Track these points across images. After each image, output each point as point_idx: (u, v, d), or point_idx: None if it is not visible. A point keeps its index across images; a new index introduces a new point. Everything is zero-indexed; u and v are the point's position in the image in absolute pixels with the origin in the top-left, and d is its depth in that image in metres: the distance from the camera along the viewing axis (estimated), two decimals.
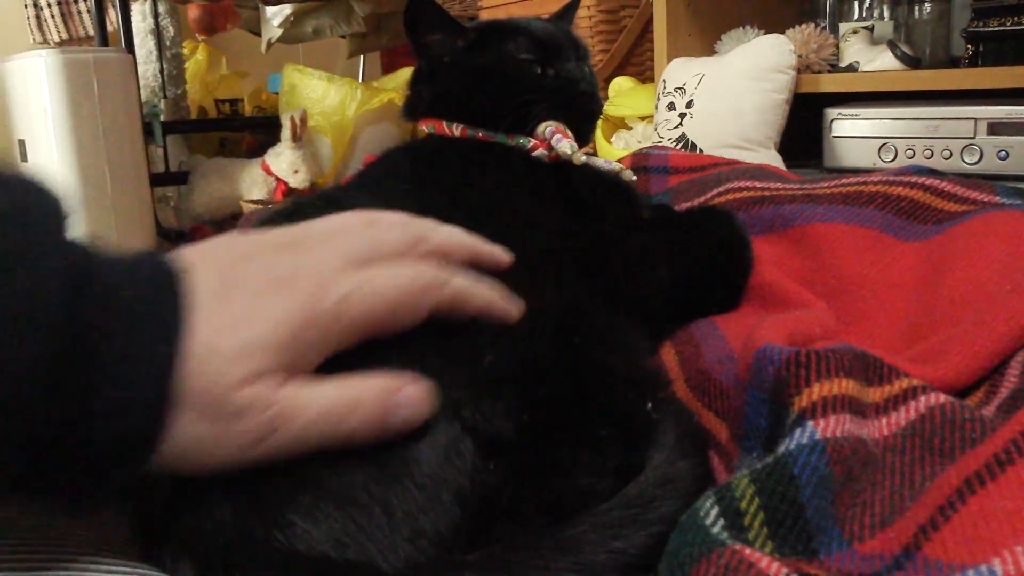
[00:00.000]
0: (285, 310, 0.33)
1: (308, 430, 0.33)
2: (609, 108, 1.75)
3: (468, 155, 0.62)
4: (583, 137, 0.67)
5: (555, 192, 0.61)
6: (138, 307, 0.30)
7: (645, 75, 1.86)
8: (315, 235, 0.37)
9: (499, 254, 0.42)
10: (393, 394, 0.34)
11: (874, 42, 1.50)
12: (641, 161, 0.88)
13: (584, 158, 0.62)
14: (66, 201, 0.31)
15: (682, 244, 0.63)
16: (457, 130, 0.64)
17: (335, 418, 0.33)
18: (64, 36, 2.86)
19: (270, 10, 2.44)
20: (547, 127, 0.62)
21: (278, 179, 2.16)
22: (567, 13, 0.76)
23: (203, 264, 0.33)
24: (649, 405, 0.42)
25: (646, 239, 0.63)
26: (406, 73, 0.69)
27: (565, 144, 0.61)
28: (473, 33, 0.67)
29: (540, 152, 0.62)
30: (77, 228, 0.31)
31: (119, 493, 0.33)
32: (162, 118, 2.34)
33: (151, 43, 2.44)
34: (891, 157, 1.35)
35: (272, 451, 0.32)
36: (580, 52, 0.68)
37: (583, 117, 0.67)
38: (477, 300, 0.39)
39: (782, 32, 1.48)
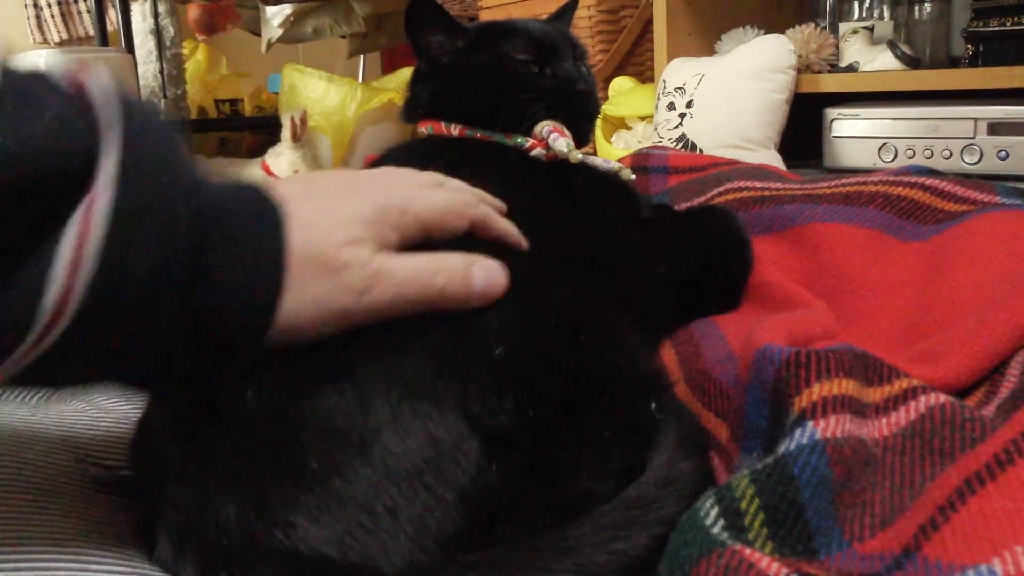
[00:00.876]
0: (361, 203, 0.40)
1: (403, 288, 0.39)
2: (609, 108, 1.75)
3: (468, 154, 0.62)
4: (582, 137, 0.67)
5: (553, 191, 0.61)
6: (247, 206, 0.37)
7: (645, 75, 1.85)
8: (388, 173, 0.48)
9: (519, 239, 0.49)
10: (474, 262, 0.41)
11: (874, 42, 1.50)
12: (641, 161, 0.88)
13: (581, 156, 0.62)
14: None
15: (681, 243, 0.63)
16: (455, 130, 0.64)
17: (424, 278, 0.39)
18: (64, 36, 2.86)
19: (270, 10, 2.44)
20: (544, 126, 0.62)
21: (278, 179, 2.16)
22: (565, 14, 0.76)
23: (285, 184, 0.40)
24: (653, 405, 0.42)
25: (645, 238, 0.63)
26: (406, 73, 0.69)
27: (562, 142, 0.61)
28: (472, 34, 0.67)
29: (538, 151, 0.62)
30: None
31: (240, 362, 0.37)
32: (162, 118, 2.34)
33: (151, 43, 2.43)
34: (891, 157, 1.35)
35: (375, 307, 0.38)
36: (578, 52, 0.68)
37: (581, 116, 0.67)
38: (499, 225, 0.47)
39: (782, 32, 1.48)
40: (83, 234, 0.30)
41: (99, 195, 0.30)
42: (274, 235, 0.36)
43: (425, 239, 0.42)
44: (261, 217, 0.36)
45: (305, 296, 0.36)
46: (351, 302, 0.37)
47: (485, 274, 0.41)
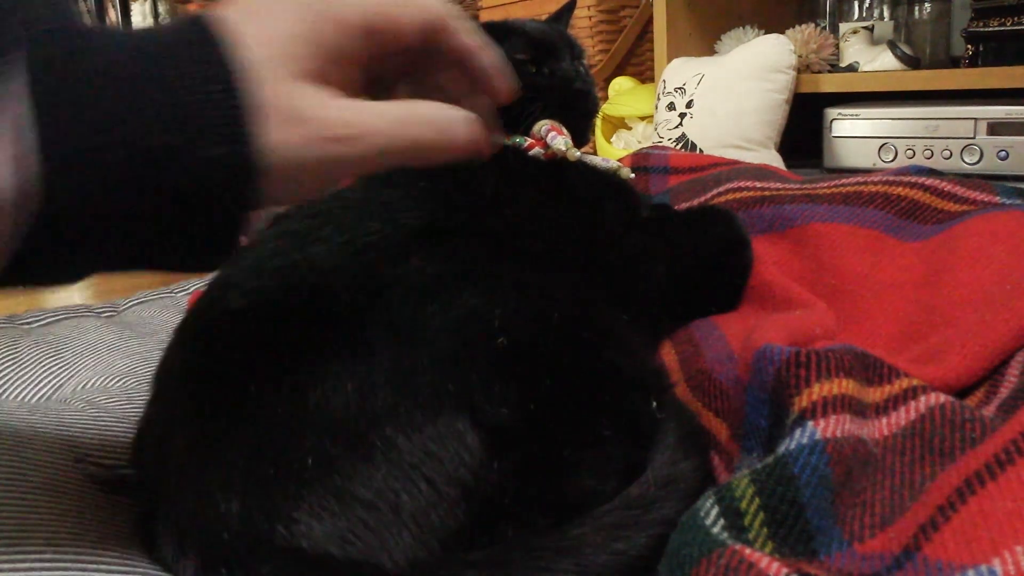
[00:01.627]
0: (299, 14, 0.34)
1: (382, 132, 0.34)
2: (609, 108, 1.75)
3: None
4: (580, 136, 0.67)
5: (552, 190, 0.61)
6: (178, 46, 0.31)
7: (645, 75, 1.85)
8: None
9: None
10: (448, 109, 0.36)
11: (874, 42, 1.50)
12: (641, 161, 0.89)
13: (579, 154, 0.62)
14: None
15: (681, 243, 0.63)
16: None
17: (400, 123, 0.34)
18: None
19: None
20: (543, 125, 0.62)
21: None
22: (563, 15, 0.76)
23: (212, 11, 0.34)
24: (654, 404, 0.42)
25: (645, 237, 0.63)
26: None
27: (560, 141, 0.61)
28: None
29: (536, 150, 0.62)
30: None
31: (234, 229, 0.34)
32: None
33: None
34: (891, 157, 1.35)
35: (358, 155, 0.34)
36: (575, 52, 0.68)
37: (579, 115, 0.67)
38: (464, 34, 0.39)
39: (782, 32, 1.48)
40: (12, 101, 0.27)
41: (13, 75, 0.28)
42: (220, 69, 0.31)
43: (377, 48, 0.36)
44: (200, 48, 0.31)
45: (279, 143, 0.32)
46: (335, 152, 0.33)
47: (465, 119, 0.36)
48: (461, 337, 0.39)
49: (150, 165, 0.30)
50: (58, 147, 0.28)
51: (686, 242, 0.63)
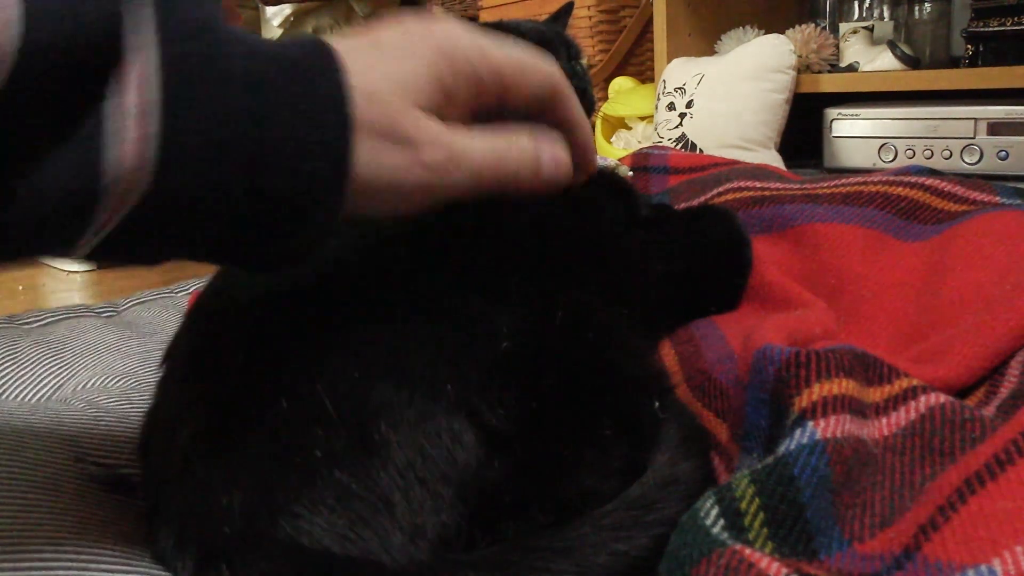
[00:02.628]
0: (424, 58, 0.35)
1: (481, 171, 0.36)
2: (609, 108, 1.75)
3: None
4: None
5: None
6: (303, 64, 0.33)
7: (645, 75, 1.85)
8: (434, 24, 0.40)
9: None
10: (539, 145, 0.38)
11: (874, 42, 1.50)
12: (641, 161, 0.88)
13: None
14: None
15: (681, 242, 0.63)
16: None
17: (500, 162, 0.36)
18: None
19: (270, 10, 2.44)
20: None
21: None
22: (561, 16, 0.76)
23: (342, 40, 0.36)
24: (656, 404, 0.42)
25: (645, 236, 0.63)
26: None
27: None
28: None
29: None
30: None
31: (322, 238, 0.34)
32: None
33: None
34: (891, 157, 1.35)
35: (452, 188, 0.35)
36: (572, 51, 0.68)
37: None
38: (573, 107, 0.40)
39: (782, 32, 1.48)
40: (141, 83, 0.28)
41: (143, 54, 0.28)
42: (335, 89, 0.33)
43: (499, 104, 0.38)
44: (322, 70, 0.33)
45: (380, 162, 0.33)
46: (430, 179, 0.34)
47: (553, 161, 0.38)
48: (463, 339, 0.39)
49: (257, 171, 0.31)
50: (178, 142, 0.29)
51: (686, 241, 0.63)
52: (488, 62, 0.36)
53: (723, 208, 0.70)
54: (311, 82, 0.32)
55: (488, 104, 0.37)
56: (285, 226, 0.33)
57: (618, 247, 0.60)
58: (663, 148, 0.92)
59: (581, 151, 0.41)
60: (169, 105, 0.29)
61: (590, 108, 0.69)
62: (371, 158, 0.33)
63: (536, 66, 0.38)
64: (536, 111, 0.39)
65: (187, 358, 0.43)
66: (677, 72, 1.57)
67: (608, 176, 0.66)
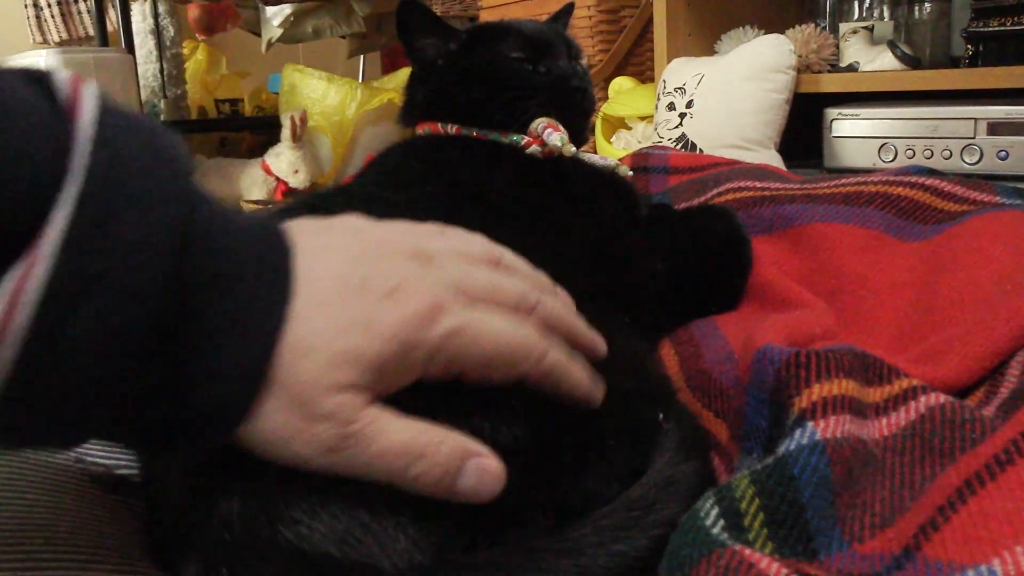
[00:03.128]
0: (394, 326, 0.32)
1: (380, 458, 0.32)
2: (609, 108, 1.75)
3: (464, 153, 0.62)
4: (579, 135, 0.67)
5: (550, 188, 0.61)
6: (248, 280, 0.30)
7: (645, 75, 1.85)
8: (443, 251, 0.36)
9: (599, 345, 0.40)
10: (468, 457, 0.33)
11: (874, 42, 1.50)
12: (641, 161, 0.89)
13: (574, 150, 0.62)
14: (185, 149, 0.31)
15: (681, 242, 0.63)
16: (452, 129, 0.64)
17: (407, 457, 0.32)
18: (64, 36, 2.86)
19: (270, 10, 2.44)
20: (540, 123, 0.62)
21: (278, 179, 2.16)
22: (561, 17, 0.76)
23: (323, 254, 0.33)
24: (660, 416, 0.42)
25: (644, 236, 0.63)
26: (406, 73, 0.70)
27: (556, 137, 0.61)
28: (465, 35, 0.67)
29: (534, 148, 0.62)
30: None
31: (204, 447, 0.33)
32: (162, 118, 2.34)
33: (151, 43, 2.44)
34: (891, 157, 1.35)
35: (342, 466, 0.32)
36: (572, 51, 0.68)
37: (576, 113, 0.67)
38: (567, 381, 0.37)
39: (782, 32, 1.48)
40: (16, 293, 0.25)
41: (38, 260, 0.25)
42: (264, 341, 0.30)
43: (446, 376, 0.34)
44: (263, 298, 0.30)
45: (266, 425, 0.31)
46: (311, 454, 0.31)
47: (478, 473, 0.33)
48: None
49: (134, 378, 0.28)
50: (48, 334, 0.26)
51: (686, 241, 0.63)
52: (460, 351, 0.33)
53: (723, 208, 0.70)
54: (245, 310, 0.30)
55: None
56: (168, 439, 0.31)
57: (618, 246, 0.60)
58: (663, 148, 0.92)
59: (575, 393, 0.37)
60: (41, 317, 0.26)
61: (590, 108, 0.69)
62: (267, 419, 0.30)
63: (515, 352, 0.34)
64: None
65: None
66: (677, 72, 1.57)
67: (608, 176, 0.66)
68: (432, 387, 0.34)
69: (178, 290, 0.28)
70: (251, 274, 0.30)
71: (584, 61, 0.71)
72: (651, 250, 0.62)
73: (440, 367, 0.33)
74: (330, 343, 0.31)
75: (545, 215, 0.57)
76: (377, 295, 0.32)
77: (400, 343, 0.32)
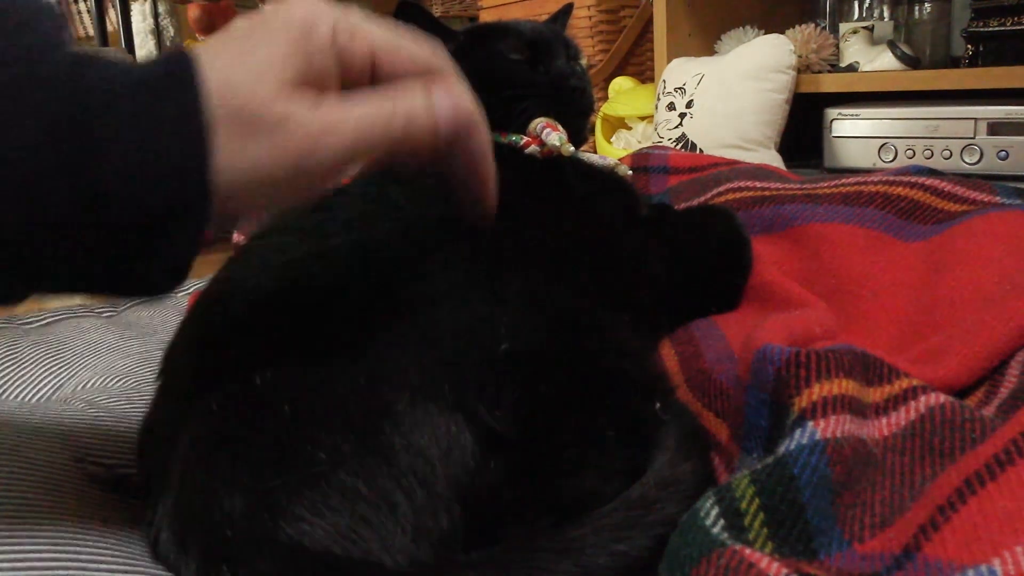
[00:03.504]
0: (285, 37, 0.33)
1: (357, 139, 0.33)
2: (609, 108, 1.75)
3: None
4: (578, 134, 0.67)
5: (550, 188, 0.61)
6: (147, 73, 0.31)
7: (645, 75, 1.85)
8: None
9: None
10: (433, 89, 0.35)
11: (874, 42, 1.50)
12: (641, 161, 0.89)
13: (572, 149, 0.62)
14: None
15: (681, 241, 0.63)
16: None
17: (380, 123, 0.34)
18: None
19: None
20: (538, 123, 0.62)
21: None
22: (560, 17, 0.76)
23: (201, 45, 0.35)
24: (657, 406, 0.42)
25: (644, 236, 0.63)
26: None
27: (554, 136, 0.61)
28: (462, 36, 0.67)
29: (532, 149, 0.62)
30: None
31: (190, 250, 0.33)
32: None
33: (151, 43, 2.44)
34: (891, 157, 1.35)
35: (328, 164, 0.33)
36: (571, 52, 0.68)
37: (574, 113, 0.67)
38: (459, 90, 0.37)
39: (782, 32, 1.48)
40: None
41: None
42: (185, 94, 0.31)
43: (373, 82, 0.36)
44: (167, 77, 0.31)
45: (243, 160, 0.31)
46: (298, 163, 0.32)
47: (449, 103, 0.35)
48: (462, 340, 0.39)
49: (99, 203, 0.29)
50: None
51: (686, 241, 0.63)
52: (356, 37, 0.35)
53: (723, 208, 0.70)
54: (158, 96, 0.30)
55: (361, 81, 0.35)
56: (152, 246, 0.31)
57: (618, 246, 0.60)
58: (663, 148, 0.92)
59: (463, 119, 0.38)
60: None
61: (589, 108, 0.69)
62: (237, 155, 0.31)
63: (413, 45, 0.36)
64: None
65: (187, 359, 0.43)
66: (677, 72, 1.57)
67: (607, 176, 0.66)
68: (430, 378, 0.35)
69: (85, 102, 0.29)
70: (148, 73, 0.31)
71: (584, 61, 0.71)
72: (651, 249, 0.62)
73: (357, 52, 0.35)
74: (248, 57, 0.32)
75: (544, 215, 0.57)
76: (266, 28, 0.34)
77: (302, 32, 0.33)
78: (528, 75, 0.65)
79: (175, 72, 0.31)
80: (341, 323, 0.39)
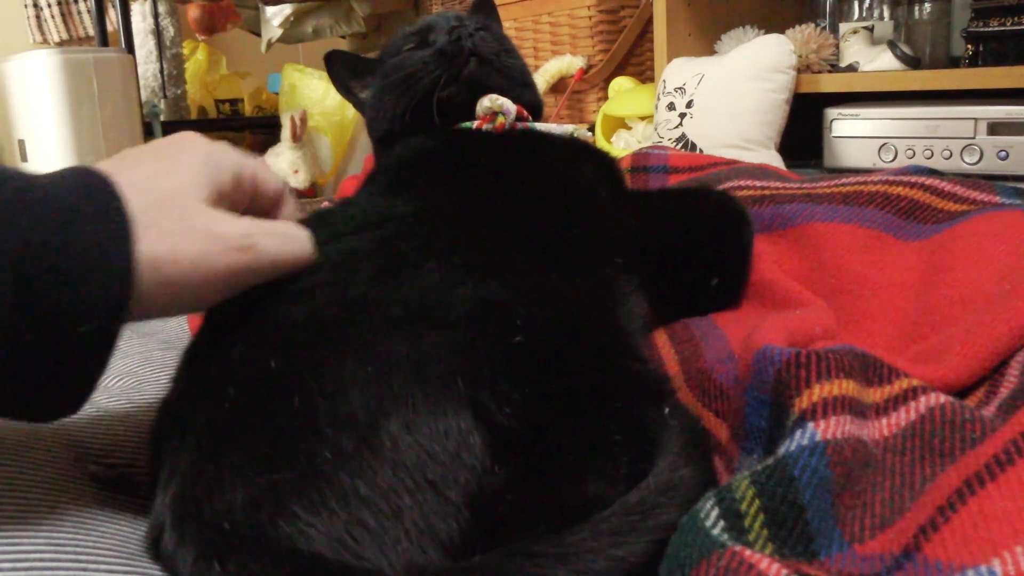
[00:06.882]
0: (199, 158, 0.40)
1: (271, 244, 0.40)
2: (609, 108, 1.75)
3: (435, 156, 0.63)
4: (531, 108, 0.67)
5: (520, 162, 0.61)
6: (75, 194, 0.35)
7: (645, 75, 1.85)
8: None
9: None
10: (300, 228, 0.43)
11: (874, 42, 1.50)
12: (641, 161, 0.89)
13: (502, 102, 0.63)
14: None
15: (668, 209, 0.64)
16: (418, 140, 0.64)
17: (281, 237, 0.41)
18: (64, 36, 2.86)
19: (270, 10, 2.44)
20: (482, 101, 0.63)
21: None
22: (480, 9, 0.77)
23: (109, 163, 0.39)
24: (666, 410, 0.42)
25: (636, 203, 0.63)
26: None
27: (483, 106, 0.62)
28: (377, 63, 0.70)
29: (487, 126, 0.62)
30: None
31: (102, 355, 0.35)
32: (162, 118, 2.34)
33: (151, 43, 2.43)
34: (891, 157, 1.35)
35: (254, 267, 0.39)
36: (464, 21, 0.68)
37: (509, 84, 0.66)
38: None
39: (782, 32, 1.48)
40: None
41: None
42: (104, 192, 0.35)
43: (252, 200, 0.43)
44: (86, 186, 0.35)
45: (180, 251, 0.36)
46: (237, 261, 0.38)
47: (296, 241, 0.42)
48: (481, 324, 0.39)
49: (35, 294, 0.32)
50: None
51: (674, 209, 0.64)
52: (244, 168, 0.42)
53: (719, 190, 0.71)
54: (82, 197, 0.34)
55: (243, 202, 0.43)
56: (65, 352, 0.34)
57: (608, 211, 0.60)
58: (663, 148, 0.92)
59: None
60: None
61: (519, 74, 0.69)
62: (170, 251, 0.36)
63: (266, 172, 0.45)
64: (271, 206, 0.45)
65: (198, 354, 0.43)
66: (677, 72, 1.57)
67: (568, 141, 0.66)
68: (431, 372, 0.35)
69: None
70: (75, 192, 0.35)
71: (501, 30, 0.72)
72: (644, 216, 0.62)
73: (247, 178, 0.43)
74: (172, 179, 0.38)
75: (521, 189, 0.57)
76: (160, 156, 0.40)
77: (211, 158, 0.40)
78: (418, 55, 0.66)
79: (92, 181, 0.35)
80: (349, 317, 0.39)
